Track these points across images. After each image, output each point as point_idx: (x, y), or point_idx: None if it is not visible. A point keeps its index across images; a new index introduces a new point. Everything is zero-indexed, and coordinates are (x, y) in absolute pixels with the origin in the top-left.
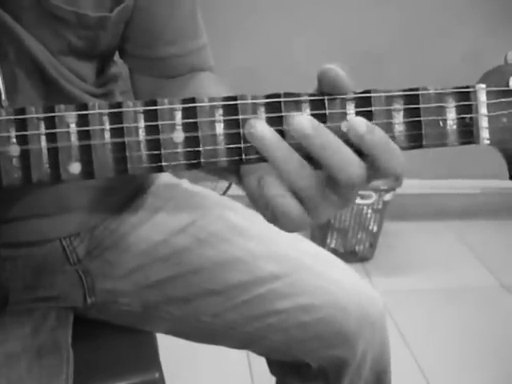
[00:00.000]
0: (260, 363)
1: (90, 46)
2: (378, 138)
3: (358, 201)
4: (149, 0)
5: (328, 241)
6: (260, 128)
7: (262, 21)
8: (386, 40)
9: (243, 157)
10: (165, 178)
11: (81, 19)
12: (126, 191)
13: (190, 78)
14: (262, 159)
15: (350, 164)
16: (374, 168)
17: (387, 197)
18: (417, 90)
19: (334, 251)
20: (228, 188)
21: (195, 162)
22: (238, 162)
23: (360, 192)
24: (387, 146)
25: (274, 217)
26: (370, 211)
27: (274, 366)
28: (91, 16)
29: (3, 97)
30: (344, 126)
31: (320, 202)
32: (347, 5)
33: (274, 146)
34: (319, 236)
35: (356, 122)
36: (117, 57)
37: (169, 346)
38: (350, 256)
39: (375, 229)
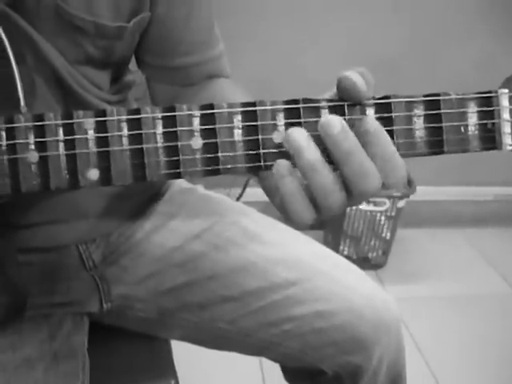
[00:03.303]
0: (273, 370)
1: (105, 55)
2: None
3: (371, 208)
4: (166, 12)
5: (341, 248)
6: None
7: (274, 31)
8: (398, 48)
9: (262, 163)
10: (180, 183)
11: (99, 29)
12: (141, 197)
13: (206, 84)
14: None
15: (367, 175)
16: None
17: (400, 204)
18: (438, 95)
19: (347, 258)
20: (242, 194)
21: (213, 168)
22: (257, 169)
23: (373, 199)
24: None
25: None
26: (383, 218)
27: (289, 373)
28: (109, 26)
29: (22, 103)
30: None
31: (337, 207)
32: (359, 14)
33: (305, 150)
34: (332, 243)
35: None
36: (132, 65)
37: (182, 353)
38: (362, 263)
39: (388, 236)
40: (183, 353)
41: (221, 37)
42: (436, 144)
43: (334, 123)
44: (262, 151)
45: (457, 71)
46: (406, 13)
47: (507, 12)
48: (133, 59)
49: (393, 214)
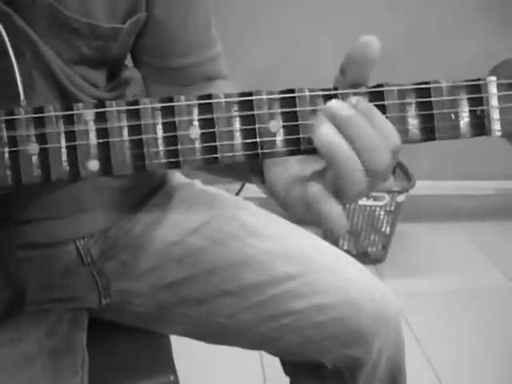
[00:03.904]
0: (273, 364)
1: (100, 55)
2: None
3: (371, 202)
4: (164, 13)
5: (340, 242)
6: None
7: (276, 24)
8: (396, 41)
9: (259, 151)
10: (178, 178)
11: (94, 30)
12: (139, 192)
13: (204, 85)
14: (277, 154)
15: (376, 150)
16: None
17: (400, 198)
18: (428, 83)
19: (347, 253)
20: (241, 189)
21: (212, 157)
22: (254, 157)
23: (373, 194)
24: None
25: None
26: (382, 213)
27: (289, 367)
28: (104, 27)
29: (22, 96)
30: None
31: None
32: (359, 7)
33: (339, 148)
34: (331, 238)
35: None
36: (129, 61)
37: (182, 348)
38: (362, 258)
39: (388, 230)
40: (182, 348)
41: (224, 32)
42: (428, 131)
43: (340, 105)
44: (258, 140)
45: (453, 66)
46: (404, 8)
47: (504, 7)
48: (129, 57)
49: (392, 208)
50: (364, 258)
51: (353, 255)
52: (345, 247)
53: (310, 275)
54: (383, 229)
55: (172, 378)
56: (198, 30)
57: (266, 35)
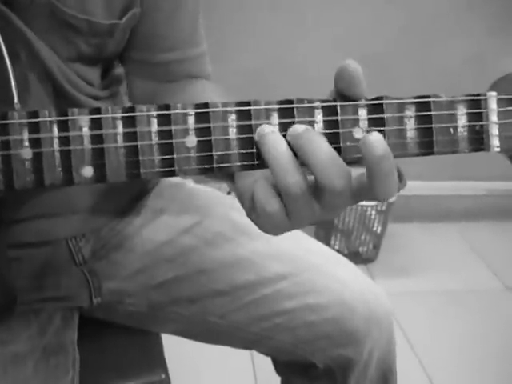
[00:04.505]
0: (264, 364)
1: (97, 52)
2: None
3: (363, 202)
4: (152, 8)
5: (332, 242)
6: (265, 128)
7: (267, 24)
8: (389, 43)
9: (255, 162)
10: (170, 178)
11: (92, 27)
12: (131, 192)
13: (186, 83)
14: None
15: (329, 167)
16: (368, 187)
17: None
18: (428, 97)
19: (338, 253)
20: None
21: (208, 166)
22: (250, 167)
23: None
24: (391, 173)
25: (257, 214)
26: (373, 212)
27: (280, 366)
28: (102, 24)
29: (16, 99)
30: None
31: (303, 205)
32: (351, 9)
33: (272, 143)
34: (323, 237)
35: (373, 143)
36: None
37: (173, 347)
38: (353, 257)
39: (379, 230)
40: (174, 347)
41: (216, 31)
42: (426, 145)
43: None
44: (256, 150)
45: (447, 65)
46: (397, 7)
47: (499, 8)
48: None
49: (383, 208)
50: (355, 257)
51: (344, 255)
52: (336, 247)
53: (302, 275)
54: (375, 228)
55: (163, 376)
56: (185, 27)
57: (256, 35)
